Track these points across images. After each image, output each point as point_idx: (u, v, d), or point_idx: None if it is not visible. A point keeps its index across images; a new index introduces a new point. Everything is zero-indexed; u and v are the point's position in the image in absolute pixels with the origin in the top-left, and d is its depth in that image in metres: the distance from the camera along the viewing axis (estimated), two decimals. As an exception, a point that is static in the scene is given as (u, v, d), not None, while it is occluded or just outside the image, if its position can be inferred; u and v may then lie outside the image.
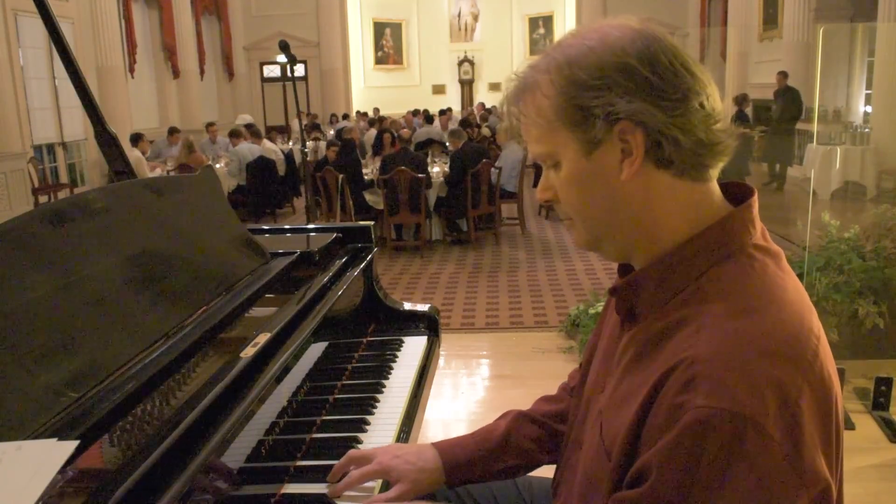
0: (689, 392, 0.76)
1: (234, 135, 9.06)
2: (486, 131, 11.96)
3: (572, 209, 0.92)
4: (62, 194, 9.57)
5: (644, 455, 0.80)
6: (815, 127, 8.34)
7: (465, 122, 11.21)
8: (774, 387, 0.75)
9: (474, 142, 8.31)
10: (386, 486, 1.22)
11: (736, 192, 0.92)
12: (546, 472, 1.29)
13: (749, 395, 0.74)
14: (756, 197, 0.90)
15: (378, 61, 20.83)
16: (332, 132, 11.98)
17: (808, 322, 0.83)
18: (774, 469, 0.74)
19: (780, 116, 9.70)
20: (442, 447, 1.23)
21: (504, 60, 20.06)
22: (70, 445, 0.84)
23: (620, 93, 0.83)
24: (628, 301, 0.93)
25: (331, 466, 1.29)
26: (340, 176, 6.79)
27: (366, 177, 7.25)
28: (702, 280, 0.85)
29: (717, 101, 0.85)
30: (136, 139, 8.93)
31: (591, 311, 4.13)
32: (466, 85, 20.49)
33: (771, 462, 0.74)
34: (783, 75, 9.92)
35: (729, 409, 0.74)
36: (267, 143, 9.57)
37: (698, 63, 0.86)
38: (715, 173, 0.88)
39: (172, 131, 10.22)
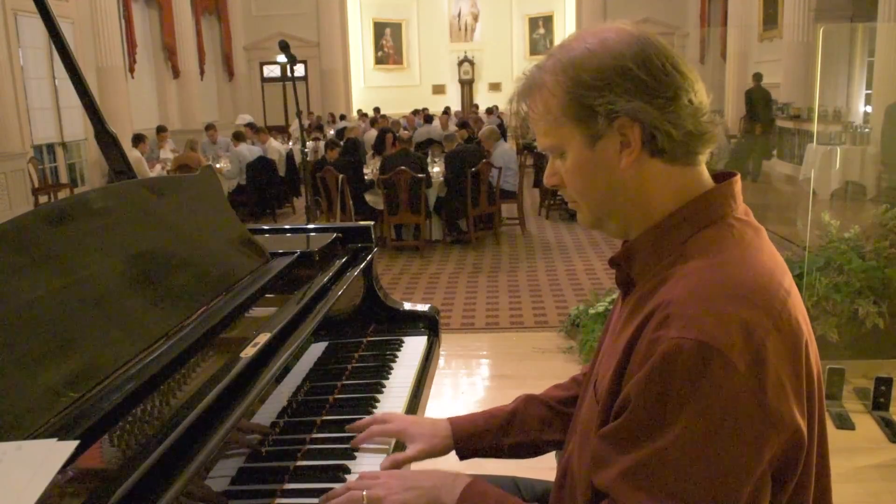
0: (664, 328, 0.85)
1: (238, 136, 9.06)
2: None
3: (577, 193, 1.02)
4: (62, 194, 9.58)
5: (625, 389, 0.89)
6: (815, 127, 8.34)
7: (464, 123, 11.19)
8: (741, 324, 0.83)
9: (474, 141, 8.30)
10: (400, 448, 1.33)
11: (723, 177, 1.02)
12: (548, 474, 1.29)
13: (716, 328, 0.82)
14: (738, 178, 1.01)
15: (378, 61, 20.82)
16: (331, 132, 11.98)
17: (778, 278, 0.91)
18: (740, 400, 0.82)
19: (752, 116, 10.58)
20: (454, 420, 1.34)
21: (504, 60, 20.06)
22: (70, 445, 0.84)
23: (620, 92, 0.92)
24: (625, 271, 1.03)
25: (331, 466, 1.30)
26: (341, 176, 6.79)
27: (365, 177, 7.24)
28: (686, 245, 0.95)
29: (703, 96, 0.96)
30: (137, 140, 8.94)
31: (591, 311, 4.13)
32: (466, 85, 20.47)
33: (736, 393, 0.81)
34: (755, 77, 10.80)
35: (696, 339, 0.82)
36: (272, 141, 9.59)
37: (686, 62, 0.96)
38: (703, 158, 0.99)
39: (161, 130, 10.21)
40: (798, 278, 3.51)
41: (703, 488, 0.82)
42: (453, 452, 1.33)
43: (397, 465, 1.29)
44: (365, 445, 1.35)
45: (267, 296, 1.60)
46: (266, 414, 1.28)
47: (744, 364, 0.81)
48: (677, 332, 0.83)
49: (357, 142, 7.82)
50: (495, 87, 20.10)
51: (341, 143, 8.24)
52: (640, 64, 0.92)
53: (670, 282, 0.91)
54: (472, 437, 1.31)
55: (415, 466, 1.46)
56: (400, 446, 1.35)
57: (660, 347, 0.84)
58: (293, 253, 1.84)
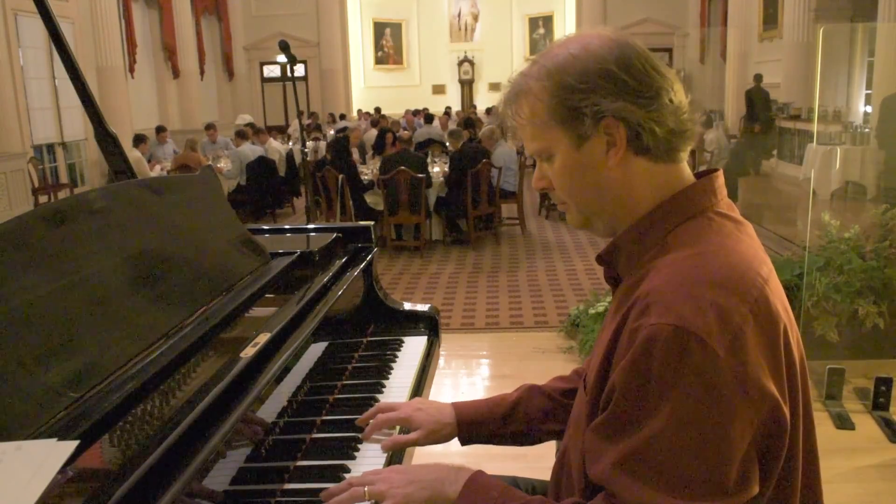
0: (645, 316, 0.88)
1: (241, 135, 9.06)
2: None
3: (565, 194, 1.05)
4: (62, 194, 9.57)
5: (610, 379, 0.92)
6: (815, 127, 8.34)
7: (468, 122, 11.19)
8: (718, 310, 0.86)
9: (475, 141, 8.29)
10: (404, 433, 1.35)
11: (706, 175, 1.06)
12: (548, 474, 1.29)
13: (693, 314, 0.85)
14: (720, 174, 1.04)
15: (378, 61, 20.81)
16: (331, 132, 11.98)
17: (755, 267, 0.94)
18: (720, 381, 0.84)
19: (751, 116, 10.89)
20: (458, 406, 1.36)
21: (504, 60, 20.04)
22: (70, 445, 0.84)
23: (604, 94, 0.96)
24: (612, 268, 1.06)
25: (331, 466, 1.30)
26: (340, 176, 6.78)
27: (365, 177, 7.24)
28: (667, 238, 0.98)
29: (682, 95, 1.00)
30: (138, 140, 8.96)
31: (591, 311, 4.13)
32: (466, 85, 20.46)
33: (716, 374, 0.84)
34: (756, 77, 11.02)
35: (674, 324, 0.85)
36: (273, 141, 9.59)
37: (664, 64, 1.00)
38: (684, 155, 1.02)
39: (160, 130, 10.23)
40: (798, 278, 3.51)
41: (693, 470, 0.84)
42: (454, 442, 1.34)
43: (398, 447, 1.32)
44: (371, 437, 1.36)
45: (267, 296, 1.60)
46: (266, 414, 1.28)
47: (723, 349, 0.84)
48: (656, 318, 0.86)
49: (345, 142, 7.75)
50: (495, 87, 20.08)
51: (341, 142, 8.22)
52: (622, 66, 0.96)
53: (651, 273, 0.94)
54: (475, 423, 1.33)
55: (417, 455, 1.46)
56: (404, 432, 1.36)
57: (640, 335, 0.87)
58: (293, 253, 1.84)
